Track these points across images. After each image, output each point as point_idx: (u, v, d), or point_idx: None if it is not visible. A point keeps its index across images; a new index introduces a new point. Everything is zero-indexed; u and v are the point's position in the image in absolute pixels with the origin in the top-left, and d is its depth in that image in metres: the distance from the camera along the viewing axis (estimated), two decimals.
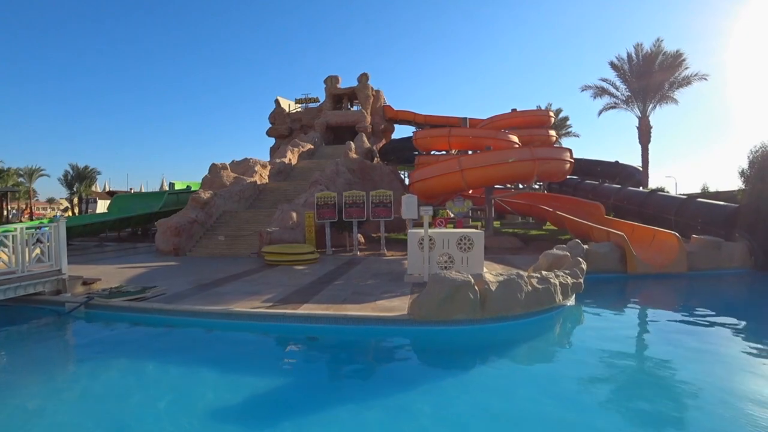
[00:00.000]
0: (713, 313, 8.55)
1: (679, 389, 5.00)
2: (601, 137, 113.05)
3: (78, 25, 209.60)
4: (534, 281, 7.39)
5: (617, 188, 21.64)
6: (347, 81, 40.41)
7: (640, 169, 28.70)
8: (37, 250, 9.38)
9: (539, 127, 27.41)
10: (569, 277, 8.21)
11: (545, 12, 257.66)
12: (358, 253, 16.44)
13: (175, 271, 12.72)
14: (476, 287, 6.75)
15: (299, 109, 42.27)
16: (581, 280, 8.50)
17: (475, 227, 23.63)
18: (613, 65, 29.58)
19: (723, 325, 7.79)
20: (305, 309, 7.54)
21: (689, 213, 15.58)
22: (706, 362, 5.81)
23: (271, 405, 4.69)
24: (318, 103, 41.65)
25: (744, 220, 13.31)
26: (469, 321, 6.65)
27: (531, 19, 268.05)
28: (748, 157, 17.88)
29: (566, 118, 43.51)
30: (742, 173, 18.35)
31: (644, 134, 28.65)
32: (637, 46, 28.52)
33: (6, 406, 4.70)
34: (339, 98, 40.71)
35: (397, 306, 7.55)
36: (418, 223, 13.62)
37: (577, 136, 44.15)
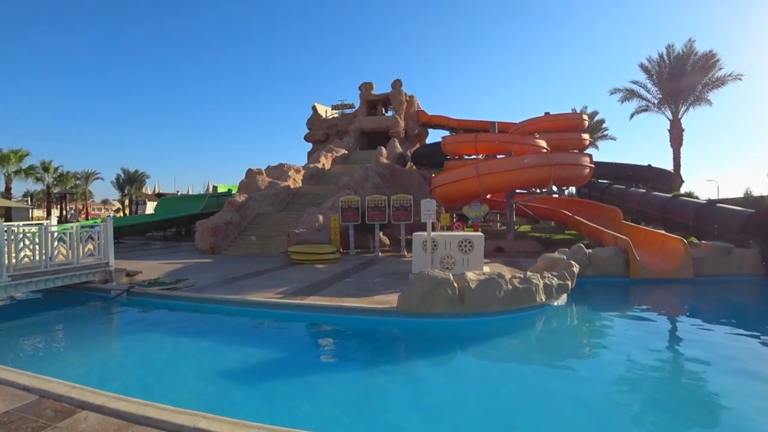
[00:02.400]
0: (701, 318, 8.92)
1: (616, 382, 5.56)
2: (637, 140, 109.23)
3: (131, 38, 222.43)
4: (516, 281, 8.07)
5: (642, 193, 21.55)
6: (382, 87, 41.49)
7: (672, 172, 28.20)
8: (89, 246, 10.86)
9: (572, 130, 27.36)
10: (556, 279, 8.81)
11: (583, 13, 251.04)
12: (380, 254, 17.37)
13: (208, 267, 14.06)
14: (455, 284, 7.53)
15: (335, 115, 43.63)
16: (568, 282, 9.06)
17: (502, 231, 24.15)
18: (643, 67, 29.08)
19: (706, 328, 8.17)
20: (310, 300, 8.56)
21: (706, 218, 15.55)
22: (666, 362, 6.34)
23: (271, 370, 5.82)
24: (353, 109, 42.90)
25: (759, 225, 13.27)
26: (449, 314, 7.44)
27: (568, 20, 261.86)
28: None
29: (602, 121, 42.86)
30: None
31: (676, 137, 28.03)
32: (668, 47, 28.00)
33: (65, 362, 6.10)
34: (373, 104, 41.82)
35: (392, 300, 8.38)
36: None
37: (613, 138, 43.35)
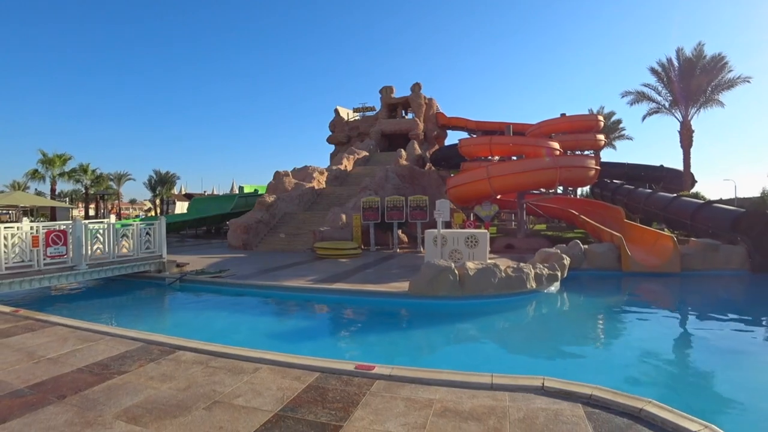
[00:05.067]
0: (671, 304, 10.43)
1: (566, 352, 6.91)
2: (651, 140, 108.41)
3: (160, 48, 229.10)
4: (509, 270, 9.49)
5: (648, 193, 22.42)
6: (402, 90, 42.82)
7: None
8: (146, 241, 12.67)
9: (587, 131, 28.21)
10: (546, 269, 10.18)
11: (603, 14, 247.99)
12: (398, 250, 18.88)
13: (244, 261, 15.79)
14: (456, 272, 9.01)
15: (357, 118, 45.09)
16: (558, 273, 10.40)
17: (515, 229, 25.37)
18: (653, 71, 29.80)
19: (674, 313, 9.58)
20: (336, 285, 10.18)
21: (702, 218, 16.53)
22: (623, 336, 7.71)
23: (305, 334, 7.61)
24: (374, 112, 44.28)
25: (748, 224, 14.25)
26: (451, 297, 8.93)
27: (587, 21, 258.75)
28: None
29: (619, 121, 43.31)
30: None
31: (686, 138, 28.64)
32: (678, 50, 28.67)
33: (151, 324, 7.66)
34: (393, 107, 43.21)
35: (406, 287, 9.84)
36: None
37: (630, 139, 43.84)
